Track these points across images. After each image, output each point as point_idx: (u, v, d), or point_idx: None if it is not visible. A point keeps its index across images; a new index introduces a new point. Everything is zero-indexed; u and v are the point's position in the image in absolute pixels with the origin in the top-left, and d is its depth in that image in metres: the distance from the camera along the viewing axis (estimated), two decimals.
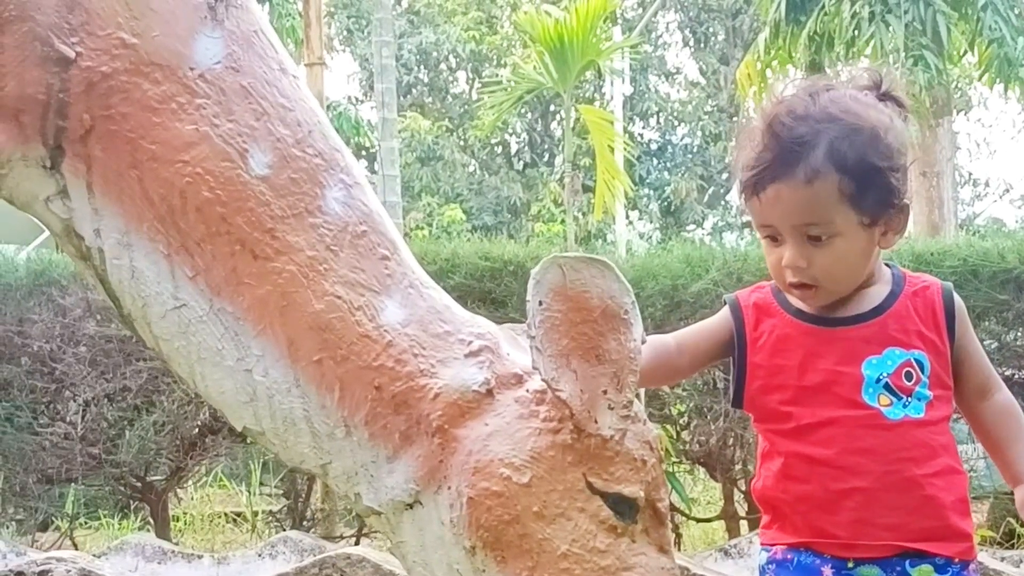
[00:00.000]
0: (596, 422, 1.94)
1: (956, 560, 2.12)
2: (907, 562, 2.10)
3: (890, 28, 13.42)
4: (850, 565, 2.12)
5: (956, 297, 2.21)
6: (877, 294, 2.19)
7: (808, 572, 2.15)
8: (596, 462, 1.95)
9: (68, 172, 1.99)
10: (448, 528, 1.97)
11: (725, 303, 2.32)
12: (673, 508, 6.33)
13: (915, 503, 2.10)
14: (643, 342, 1.98)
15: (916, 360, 2.13)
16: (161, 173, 1.97)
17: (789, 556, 2.18)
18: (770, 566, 2.21)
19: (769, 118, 2.12)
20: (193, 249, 1.99)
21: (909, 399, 2.13)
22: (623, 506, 1.97)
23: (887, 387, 2.13)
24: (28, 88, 1.95)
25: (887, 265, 2.25)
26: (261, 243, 1.99)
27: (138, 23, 1.98)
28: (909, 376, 2.13)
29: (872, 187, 2.07)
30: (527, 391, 2.01)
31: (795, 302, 2.21)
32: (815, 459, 2.14)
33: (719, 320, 2.30)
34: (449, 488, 1.97)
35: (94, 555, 5.30)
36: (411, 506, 2.02)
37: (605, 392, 1.95)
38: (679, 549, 6.10)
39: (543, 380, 1.93)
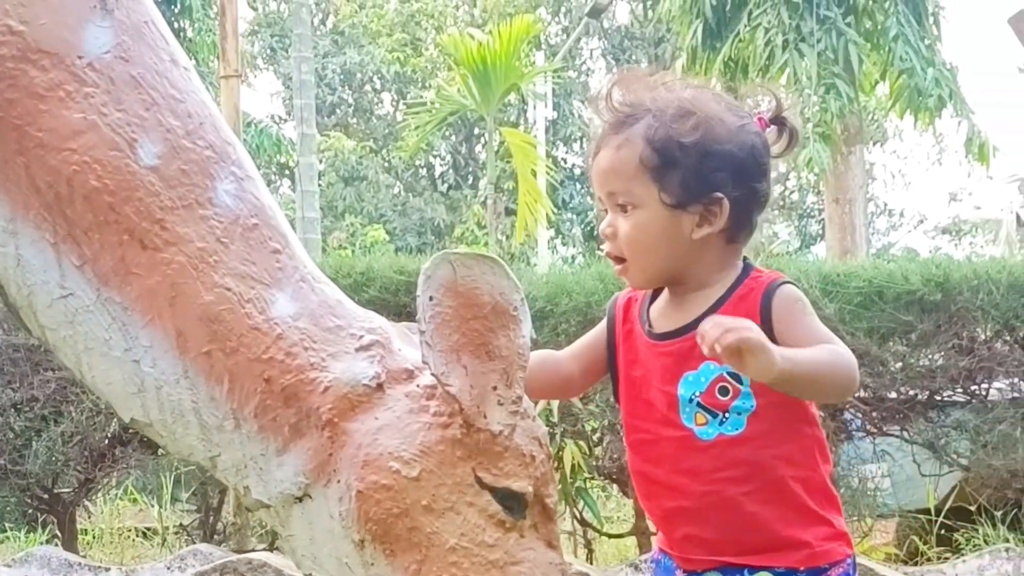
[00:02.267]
0: (486, 417, 1.96)
1: (802, 568, 2.06)
2: (745, 571, 2.09)
3: (803, 57, 13.64)
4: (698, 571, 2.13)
5: (781, 290, 2.08)
6: (707, 299, 2.12)
7: (668, 573, 2.19)
8: (485, 457, 1.97)
9: None
10: (337, 521, 1.98)
11: None
12: (585, 524, 6.35)
13: (738, 520, 2.06)
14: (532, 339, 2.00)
15: (730, 373, 2.03)
16: (48, 161, 1.96)
17: (659, 556, 2.22)
18: (651, 564, 2.27)
19: (612, 93, 2.16)
20: (80, 238, 1.98)
21: (726, 415, 2.06)
22: (512, 501, 1.98)
23: (700, 406, 2.07)
24: None
25: (747, 265, 2.17)
26: (150, 233, 1.98)
27: (26, 10, 1.97)
28: (724, 391, 2.06)
29: (676, 166, 2.06)
30: (417, 386, 2.02)
31: (647, 312, 2.18)
32: (650, 477, 2.15)
33: (602, 324, 2.28)
34: (338, 481, 1.98)
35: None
36: (300, 499, 2.02)
37: (495, 388, 1.97)
38: (591, 564, 6.12)
39: (433, 375, 1.95)
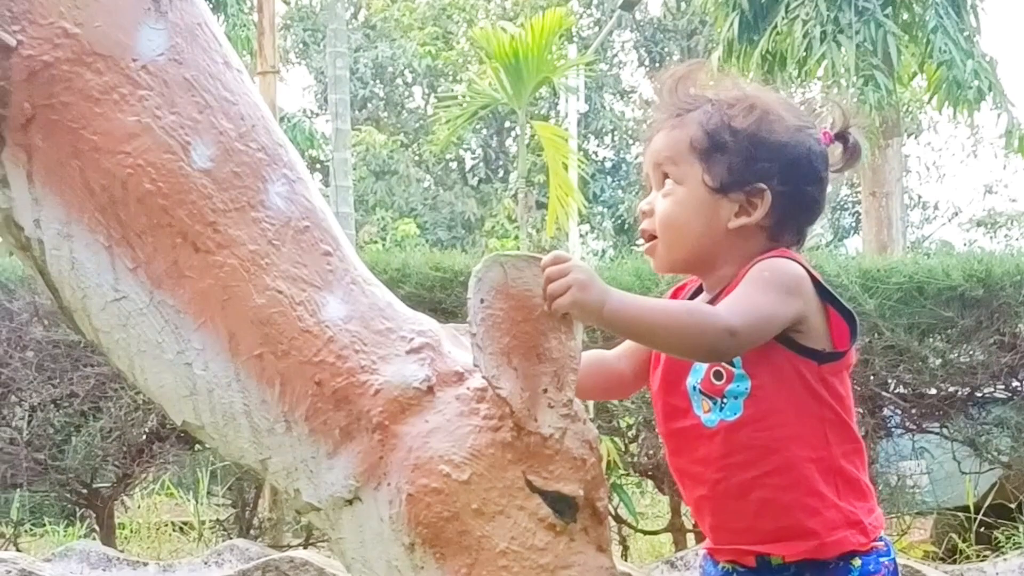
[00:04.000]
0: (536, 420, 1.94)
1: (808, 559, 2.02)
2: (757, 559, 2.07)
3: (841, 48, 13.55)
4: (727, 568, 2.12)
5: (763, 260, 2.04)
6: (717, 282, 2.11)
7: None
8: (536, 460, 1.95)
9: (8, 161, 1.98)
10: (387, 525, 1.97)
11: None
12: (621, 520, 6.35)
13: (748, 507, 2.04)
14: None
15: None
16: (102, 164, 1.96)
17: (702, 563, 2.22)
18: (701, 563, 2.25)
19: (677, 87, 2.17)
20: (134, 241, 1.98)
21: (724, 400, 2.04)
22: (562, 505, 1.97)
23: (702, 393, 2.06)
24: None
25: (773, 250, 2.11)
26: (203, 236, 1.98)
27: (80, 12, 1.97)
28: (719, 375, 2.04)
29: (725, 151, 2.06)
30: (468, 389, 2.01)
31: None
32: (678, 468, 2.16)
33: None
34: (389, 484, 1.97)
35: (39, 560, 5.24)
36: (351, 502, 2.01)
37: (545, 391, 1.95)
38: (625, 560, 6.11)
39: (484, 378, 1.93)
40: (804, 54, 13.82)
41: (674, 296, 2.23)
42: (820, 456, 2.03)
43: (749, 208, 2.07)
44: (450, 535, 1.93)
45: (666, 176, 2.12)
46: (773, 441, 2.02)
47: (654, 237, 2.13)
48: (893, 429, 6.30)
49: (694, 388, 2.07)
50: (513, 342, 1.93)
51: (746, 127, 2.07)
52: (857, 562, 2.03)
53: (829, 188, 2.19)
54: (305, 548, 6.35)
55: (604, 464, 5.61)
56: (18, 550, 6.38)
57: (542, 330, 1.94)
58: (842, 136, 2.18)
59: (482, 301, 1.92)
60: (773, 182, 2.06)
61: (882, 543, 2.07)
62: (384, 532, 1.98)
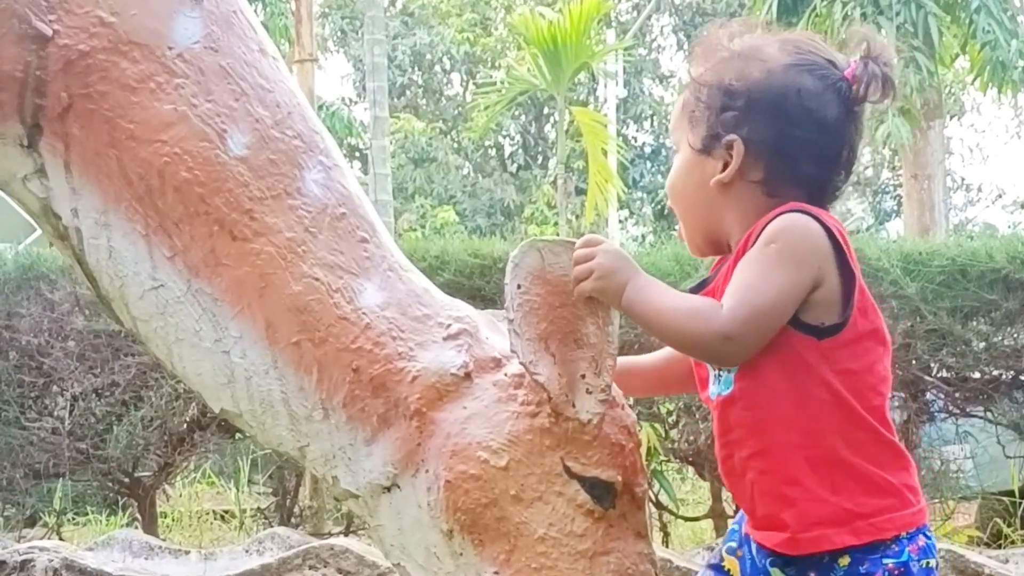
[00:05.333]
0: (574, 406, 1.95)
1: (780, 552, 1.91)
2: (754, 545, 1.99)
3: (881, 30, 13.42)
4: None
5: (775, 220, 1.88)
6: (730, 252, 1.98)
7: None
8: (574, 446, 1.95)
9: (46, 151, 2.00)
10: (426, 511, 1.98)
11: None
12: (661, 507, 6.33)
13: (744, 488, 1.95)
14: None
15: None
16: (139, 153, 1.97)
17: None
18: None
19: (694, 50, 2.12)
20: (171, 229, 1.99)
21: (720, 373, 1.95)
22: (601, 491, 1.97)
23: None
24: (5, 65, 1.95)
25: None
26: (239, 224, 1.99)
27: (116, 2, 1.99)
28: None
29: (703, 107, 1.99)
30: (505, 375, 2.01)
31: None
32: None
33: None
34: (427, 471, 1.97)
35: (81, 549, 5.29)
36: (389, 489, 2.02)
37: (583, 376, 1.95)
38: (666, 547, 6.09)
39: (521, 364, 1.93)
40: (843, 36, 13.71)
41: (714, 269, 2.09)
42: (809, 444, 1.86)
43: (729, 162, 1.96)
44: (488, 521, 1.93)
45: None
46: (757, 422, 1.90)
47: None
48: (936, 413, 6.24)
49: None
50: (550, 328, 1.93)
51: (722, 79, 1.97)
52: (844, 560, 1.86)
53: (862, 141, 2.01)
54: (346, 536, 6.37)
55: (644, 450, 5.61)
56: (61, 539, 6.44)
57: (579, 315, 1.94)
58: (864, 62, 1.96)
59: (519, 287, 1.92)
60: (743, 131, 1.94)
61: (896, 544, 1.87)
62: (422, 519, 1.99)
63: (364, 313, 2.01)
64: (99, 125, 1.97)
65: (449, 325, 2.05)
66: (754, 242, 1.88)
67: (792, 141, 1.94)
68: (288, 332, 2.00)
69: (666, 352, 2.21)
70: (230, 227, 1.99)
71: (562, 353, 1.93)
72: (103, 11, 1.98)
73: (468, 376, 2.00)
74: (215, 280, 2.00)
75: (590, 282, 1.88)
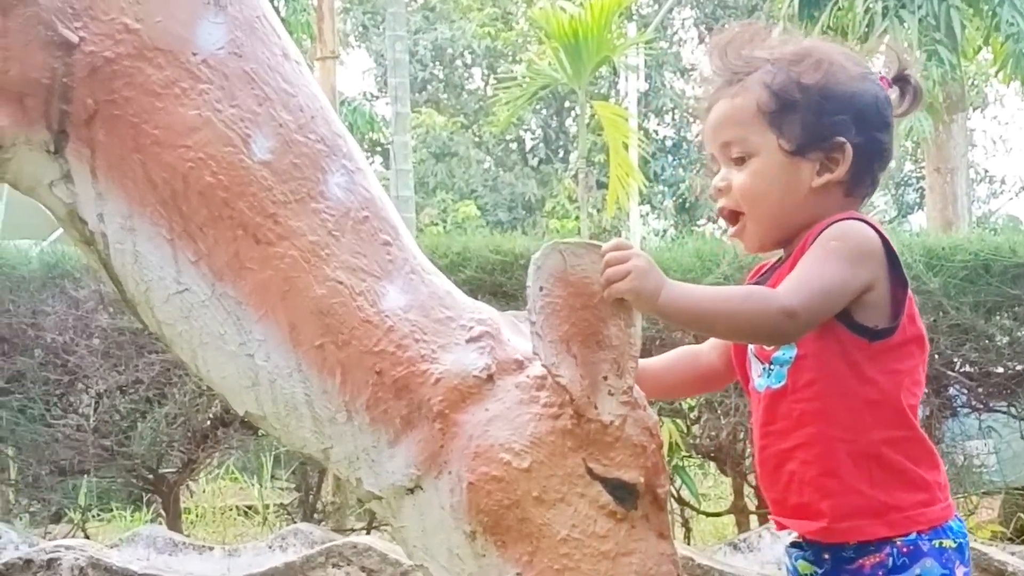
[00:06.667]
0: (596, 408, 1.95)
1: (812, 540, 1.99)
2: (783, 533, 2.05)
3: (904, 23, 13.33)
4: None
5: (834, 225, 1.96)
6: (792, 248, 2.04)
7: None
8: (596, 448, 1.96)
9: (72, 156, 2.01)
10: (448, 513, 1.99)
11: None
12: (683, 502, 6.33)
13: (785, 478, 2.00)
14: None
15: None
16: (164, 158, 1.99)
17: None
18: None
19: (727, 49, 2.10)
20: (196, 234, 2.00)
21: (771, 366, 2.00)
22: (623, 492, 1.97)
23: (756, 357, 2.04)
24: (32, 72, 1.97)
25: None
26: (263, 228, 2.00)
27: (141, 8, 2.00)
28: None
29: (796, 109, 2.00)
30: (528, 377, 2.02)
31: None
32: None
33: None
34: (450, 473, 1.98)
35: (106, 546, 5.32)
36: (412, 491, 2.03)
37: (606, 378, 1.96)
38: (688, 543, 6.10)
39: (543, 366, 1.94)
40: (866, 30, 13.65)
41: (751, 279, 2.16)
42: (853, 438, 1.94)
43: (830, 164, 2.01)
44: (511, 523, 1.94)
45: (731, 147, 2.06)
46: (805, 415, 1.96)
47: (735, 214, 2.08)
48: (959, 408, 6.23)
49: (752, 353, 2.06)
50: (572, 329, 1.93)
51: (815, 82, 2.00)
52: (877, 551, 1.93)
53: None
54: (368, 532, 6.40)
55: (666, 446, 5.61)
56: (86, 536, 6.48)
57: (601, 317, 1.94)
58: (901, 79, 2.11)
59: (541, 289, 1.93)
60: (850, 134, 2.00)
61: (925, 541, 1.93)
62: (445, 520, 1.99)
63: (387, 316, 2.02)
64: (124, 130, 1.98)
65: (471, 327, 2.06)
66: (811, 244, 1.95)
67: (878, 146, 2.05)
68: (312, 335, 2.01)
69: (667, 358, 2.27)
70: (254, 231, 2.00)
71: (584, 355, 1.94)
72: (128, 18, 1.99)
73: (490, 378, 2.01)
74: (239, 284, 2.01)
75: (627, 282, 1.87)
